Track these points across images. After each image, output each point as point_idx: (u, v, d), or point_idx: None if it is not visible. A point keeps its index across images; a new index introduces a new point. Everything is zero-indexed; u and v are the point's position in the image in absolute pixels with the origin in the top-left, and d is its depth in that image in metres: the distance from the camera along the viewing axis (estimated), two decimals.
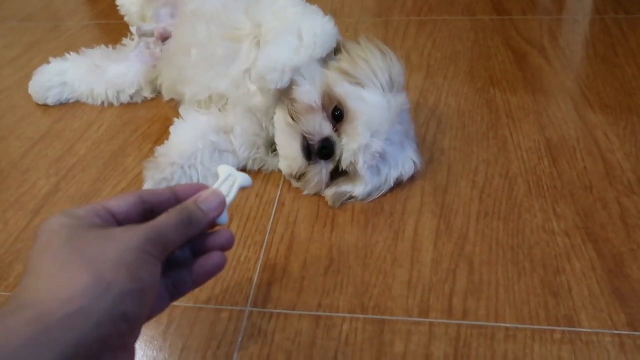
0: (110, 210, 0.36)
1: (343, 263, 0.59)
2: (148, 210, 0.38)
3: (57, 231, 0.33)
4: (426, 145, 0.76)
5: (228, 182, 0.43)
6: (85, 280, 0.30)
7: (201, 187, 0.41)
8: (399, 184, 0.68)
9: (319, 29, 0.67)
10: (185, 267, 0.40)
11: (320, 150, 0.63)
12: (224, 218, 0.41)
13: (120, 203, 0.37)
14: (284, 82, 0.64)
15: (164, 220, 0.36)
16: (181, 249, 0.40)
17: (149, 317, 0.37)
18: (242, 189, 0.43)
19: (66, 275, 0.30)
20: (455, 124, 0.81)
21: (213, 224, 0.41)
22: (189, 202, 0.39)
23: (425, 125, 0.80)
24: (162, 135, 0.82)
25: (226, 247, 0.41)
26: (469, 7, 1.20)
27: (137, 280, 0.32)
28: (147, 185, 0.65)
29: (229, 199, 0.42)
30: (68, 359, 0.28)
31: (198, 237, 0.40)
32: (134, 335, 0.33)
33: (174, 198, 0.40)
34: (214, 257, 0.40)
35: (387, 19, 1.16)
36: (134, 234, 0.34)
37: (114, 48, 0.97)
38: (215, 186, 0.42)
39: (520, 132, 0.78)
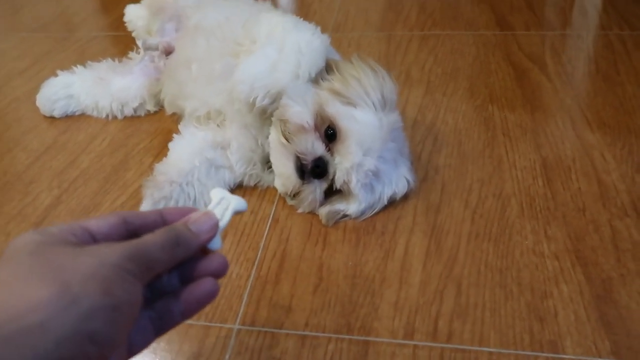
0: (89, 229, 0.33)
1: (332, 282, 0.60)
2: (132, 233, 0.35)
3: (24, 245, 0.30)
4: (421, 163, 0.77)
5: (221, 205, 0.40)
6: (48, 292, 0.26)
7: (191, 210, 0.38)
8: (392, 202, 0.69)
9: (304, 44, 0.68)
10: (172, 296, 0.36)
11: (313, 170, 0.64)
12: (217, 243, 0.39)
13: (100, 223, 0.34)
14: (261, 100, 0.66)
15: (149, 238, 0.33)
16: (168, 276, 0.37)
17: (130, 352, 0.34)
18: (237, 214, 0.41)
19: (26, 286, 0.27)
20: (451, 142, 0.81)
21: (204, 248, 0.38)
22: (178, 223, 0.37)
23: (421, 143, 0.81)
24: (163, 149, 0.84)
25: (219, 273, 0.37)
26: (472, 21, 1.20)
27: (110, 295, 0.28)
28: (146, 204, 0.66)
29: (222, 223, 0.39)
30: None
31: (187, 263, 0.37)
32: None
33: (160, 221, 0.37)
34: (205, 284, 0.36)
35: (389, 33, 1.17)
36: (112, 250, 0.30)
37: (120, 61, 0.99)
38: (208, 208, 0.40)
39: (516, 151, 0.78)
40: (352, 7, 1.32)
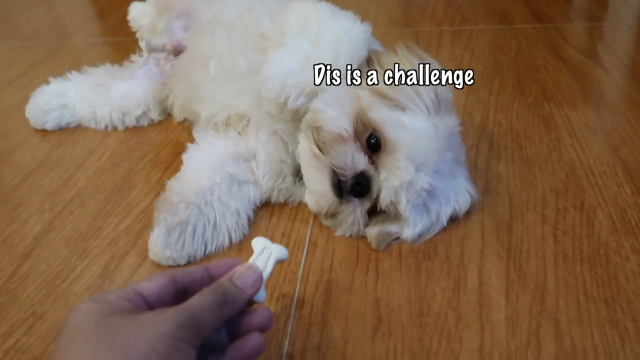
0: (141, 292, 0.35)
1: (394, 322, 0.47)
2: (180, 291, 0.37)
3: (84, 321, 0.31)
4: (479, 172, 0.65)
5: (263, 255, 0.41)
6: None
7: (235, 263, 0.40)
8: (453, 219, 0.57)
9: (343, 34, 0.57)
10: (220, 352, 0.37)
11: (353, 187, 0.53)
12: (261, 295, 0.39)
13: (151, 284, 0.36)
14: (294, 100, 0.55)
15: (197, 301, 0.35)
16: (216, 332, 0.38)
17: None
18: (279, 262, 0.42)
19: None
20: (509, 146, 0.69)
21: (250, 301, 0.39)
22: (224, 279, 0.38)
23: (474, 148, 0.69)
24: (172, 162, 0.72)
25: (264, 327, 0.39)
26: (505, 15, 1.09)
27: None
28: (158, 231, 0.54)
29: (265, 274, 0.40)
30: None
31: (234, 317, 0.37)
32: None
33: (207, 276, 0.39)
34: (252, 340, 0.37)
35: (417, 30, 1.06)
36: (165, 319, 0.32)
37: (120, 65, 0.88)
38: (250, 260, 0.41)
39: (589, 154, 0.66)
40: (372, 5, 1.21)
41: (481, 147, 0.70)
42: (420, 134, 0.52)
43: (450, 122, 0.55)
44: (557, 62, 0.89)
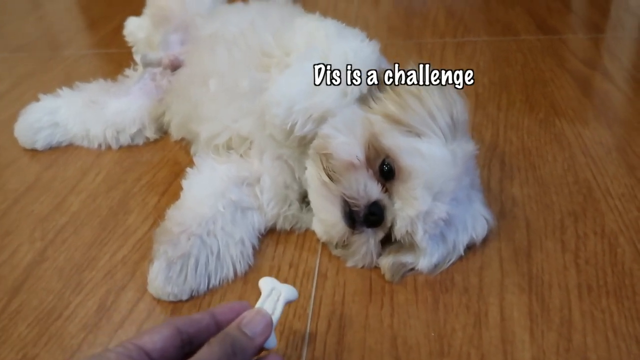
0: (144, 348, 0.33)
1: None
2: (186, 341, 0.35)
3: None
4: (492, 194, 0.62)
5: (272, 297, 0.40)
6: None
7: (243, 307, 0.38)
8: (469, 247, 0.54)
9: (352, 55, 0.54)
10: None
11: (366, 217, 0.50)
12: (272, 342, 0.37)
13: (154, 339, 0.34)
14: (302, 126, 0.52)
15: (205, 355, 0.33)
16: None
17: None
18: (288, 303, 0.40)
19: None
20: (522, 165, 0.67)
21: (260, 349, 0.37)
22: (232, 328, 0.36)
23: (486, 168, 0.67)
24: (170, 185, 0.69)
25: None
26: (509, 26, 1.07)
27: None
28: (159, 264, 0.51)
29: (274, 318, 0.38)
30: None
31: None
32: None
33: (213, 324, 0.37)
34: None
35: (419, 41, 1.04)
36: None
37: (113, 81, 0.84)
38: (258, 303, 0.39)
39: (605, 174, 0.64)
40: (372, 15, 1.19)
41: (493, 167, 0.67)
42: (438, 162, 0.49)
43: (468, 147, 0.53)
44: (565, 75, 0.87)
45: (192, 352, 0.35)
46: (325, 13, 1.11)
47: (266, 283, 0.41)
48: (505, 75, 0.89)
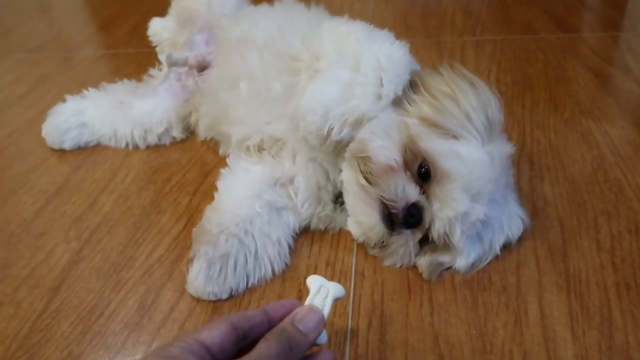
0: (204, 343, 0.34)
1: None
2: (241, 337, 0.36)
3: None
4: (524, 194, 0.63)
5: (320, 294, 0.40)
6: None
7: (294, 304, 0.39)
8: (505, 247, 0.55)
9: (384, 59, 0.54)
10: None
11: (405, 219, 0.50)
12: (323, 337, 0.39)
13: (213, 334, 0.35)
14: (338, 131, 0.53)
15: (264, 350, 0.34)
16: None
17: None
18: (336, 300, 0.41)
19: None
20: (551, 165, 0.67)
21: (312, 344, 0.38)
22: (286, 324, 0.37)
23: (515, 167, 0.67)
24: (201, 185, 0.69)
25: None
26: (527, 24, 1.07)
27: None
28: (199, 264, 0.51)
29: (325, 314, 0.39)
30: None
31: None
32: None
33: (266, 320, 0.38)
34: None
35: (438, 40, 1.04)
36: None
37: (137, 81, 0.85)
38: (308, 300, 0.40)
39: (636, 173, 0.64)
40: (388, 13, 1.19)
41: (522, 166, 0.67)
42: (476, 164, 0.49)
43: (505, 149, 0.53)
44: (588, 74, 0.87)
45: (246, 347, 0.36)
46: (340, 13, 1.12)
47: (314, 280, 0.42)
48: (528, 74, 0.89)
